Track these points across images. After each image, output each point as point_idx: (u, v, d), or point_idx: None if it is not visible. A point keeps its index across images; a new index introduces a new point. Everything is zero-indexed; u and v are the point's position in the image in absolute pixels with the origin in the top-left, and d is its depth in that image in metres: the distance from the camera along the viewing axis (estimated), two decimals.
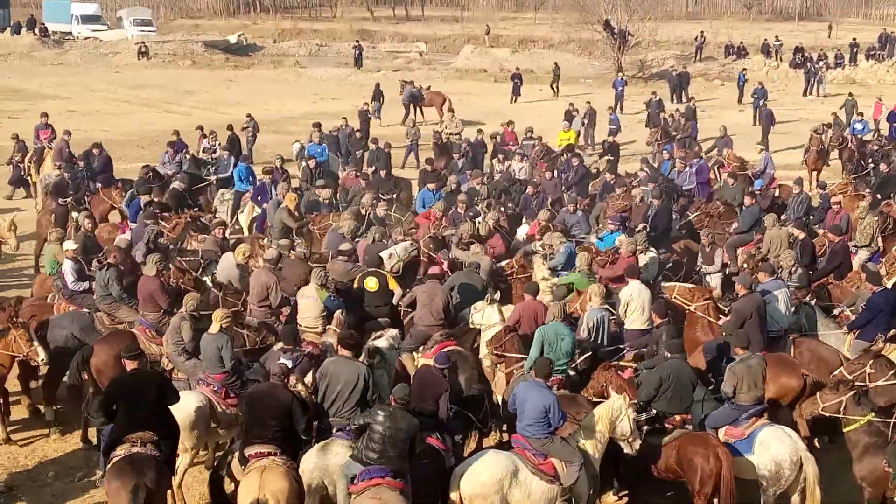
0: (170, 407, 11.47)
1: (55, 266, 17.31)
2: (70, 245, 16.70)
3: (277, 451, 11.01)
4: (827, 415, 12.43)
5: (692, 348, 14.37)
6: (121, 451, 10.90)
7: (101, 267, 15.69)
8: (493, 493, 11.02)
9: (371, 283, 16.06)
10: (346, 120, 32.10)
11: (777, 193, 23.53)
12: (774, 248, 18.32)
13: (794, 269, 17.03)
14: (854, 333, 15.20)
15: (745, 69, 53.32)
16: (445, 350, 13.42)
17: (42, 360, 13.81)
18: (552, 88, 51.45)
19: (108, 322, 15.36)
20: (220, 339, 12.99)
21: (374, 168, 26.26)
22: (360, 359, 12.61)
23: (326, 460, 11.17)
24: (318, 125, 30.26)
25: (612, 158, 28.17)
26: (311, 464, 11.17)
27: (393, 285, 16.28)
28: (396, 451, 10.73)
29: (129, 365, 11.65)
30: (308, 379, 12.69)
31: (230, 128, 29.59)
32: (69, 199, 22.24)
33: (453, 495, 11.17)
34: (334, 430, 11.64)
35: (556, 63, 54.51)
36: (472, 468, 11.19)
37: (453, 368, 13.16)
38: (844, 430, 12.30)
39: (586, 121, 37.36)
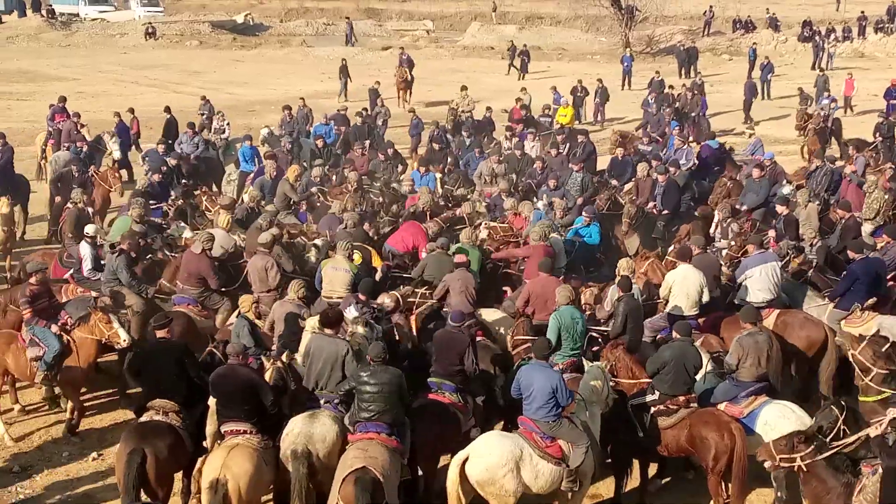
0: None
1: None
2: (90, 230, 16.78)
3: (253, 430, 11.16)
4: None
5: None
6: (143, 418, 11.51)
7: (113, 252, 15.74)
8: (501, 477, 10.99)
9: (355, 257, 16.19)
10: (304, 100, 31.54)
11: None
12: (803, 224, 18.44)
13: (815, 241, 17.19)
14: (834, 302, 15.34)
15: (754, 43, 52.99)
16: (458, 311, 13.45)
17: (124, 340, 13.80)
18: (513, 67, 50.92)
19: (110, 304, 15.17)
20: (238, 323, 13.13)
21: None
22: (349, 332, 12.79)
23: (312, 428, 11.32)
24: (287, 108, 29.96)
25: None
26: (297, 429, 11.31)
27: (377, 261, 16.58)
28: (388, 404, 11.11)
29: (158, 333, 12.29)
30: (286, 357, 12.87)
31: (167, 109, 29.32)
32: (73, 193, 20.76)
33: (453, 476, 11.11)
34: (322, 402, 11.80)
35: (511, 41, 54.18)
36: (477, 452, 11.14)
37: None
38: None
39: (598, 98, 37.41)
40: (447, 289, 15.09)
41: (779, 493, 11.88)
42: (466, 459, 11.13)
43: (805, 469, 10.51)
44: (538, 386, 11.33)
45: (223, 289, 15.83)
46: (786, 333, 14.51)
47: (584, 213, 18.52)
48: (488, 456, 11.06)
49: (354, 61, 54.36)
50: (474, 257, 16.09)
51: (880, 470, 10.18)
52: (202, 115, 30.83)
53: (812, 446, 10.51)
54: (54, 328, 13.88)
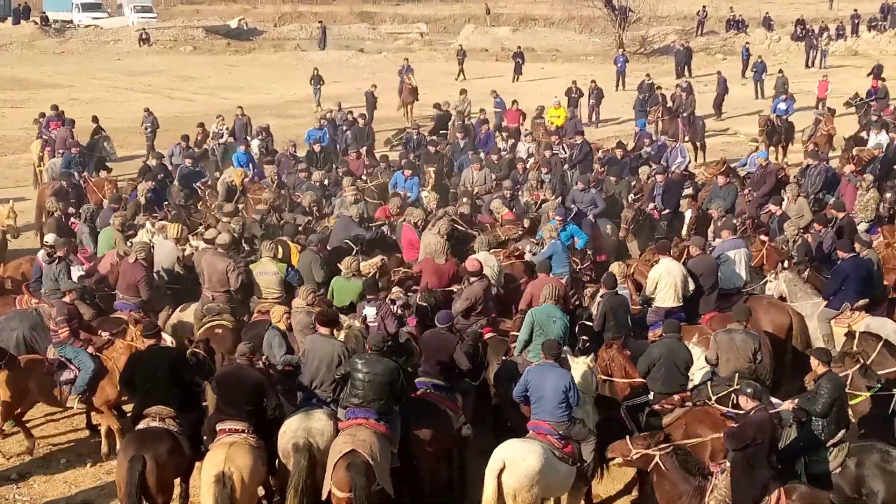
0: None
1: (110, 248, 17.54)
2: (49, 239, 16.62)
3: (249, 429, 11.24)
4: None
5: None
6: (141, 426, 11.52)
7: (52, 260, 15.44)
8: (535, 484, 10.78)
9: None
10: (242, 109, 30.87)
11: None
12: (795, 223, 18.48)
13: (797, 238, 17.28)
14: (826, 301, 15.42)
15: (747, 43, 53.03)
16: (446, 312, 13.51)
17: None
18: (461, 71, 50.37)
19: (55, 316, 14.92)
20: (269, 334, 13.00)
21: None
22: (345, 325, 13.03)
23: (310, 423, 11.48)
24: (220, 116, 29.52)
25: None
26: (295, 425, 11.45)
27: (295, 258, 16.68)
28: (377, 394, 11.25)
29: (148, 342, 12.39)
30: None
31: (95, 119, 28.97)
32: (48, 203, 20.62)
33: (491, 488, 10.85)
34: (314, 401, 11.92)
35: (460, 45, 54.03)
36: (513, 460, 10.86)
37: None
38: (851, 402, 12.29)
39: (592, 99, 37.45)
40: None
41: None
42: (502, 469, 10.82)
43: (660, 469, 10.81)
44: (550, 387, 11.25)
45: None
46: (751, 319, 14.56)
47: (556, 217, 18.37)
48: (525, 462, 10.80)
49: (349, 65, 54.59)
50: (352, 290, 14.94)
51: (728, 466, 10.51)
52: (145, 127, 30.36)
53: (667, 444, 10.93)
54: (90, 349, 13.59)
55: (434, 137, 28.63)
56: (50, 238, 16.64)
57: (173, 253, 17.01)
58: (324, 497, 11.07)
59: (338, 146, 28.21)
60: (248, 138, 27.65)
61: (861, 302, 15.03)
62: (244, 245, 17.66)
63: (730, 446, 10.33)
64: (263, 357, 12.67)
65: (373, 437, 11.05)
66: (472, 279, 14.82)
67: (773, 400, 11.95)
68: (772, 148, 29.75)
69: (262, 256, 15.94)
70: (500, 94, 34.75)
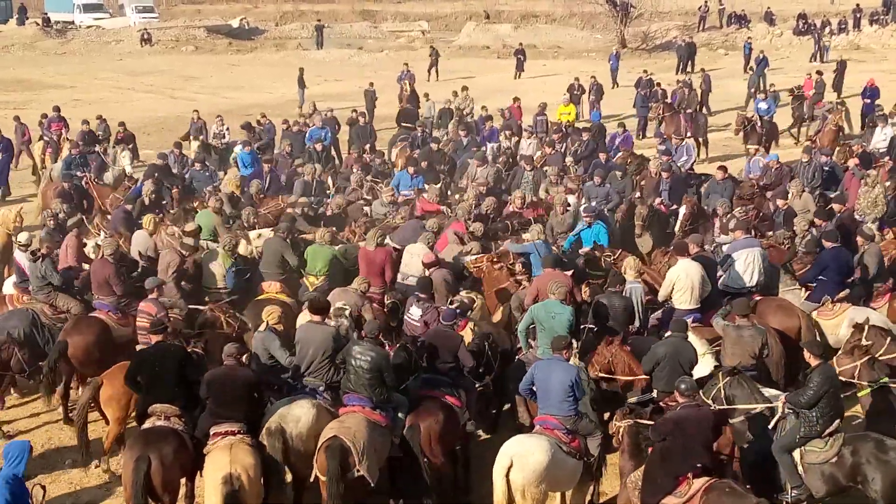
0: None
1: (209, 234, 17.81)
2: (22, 238, 16.48)
3: (243, 430, 11.28)
4: (843, 379, 12.50)
5: None
6: (146, 425, 11.53)
7: (35, 259, 15.33)
8: (546, 478, 10.79)
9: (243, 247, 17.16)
10: (198, 112, 30.44)
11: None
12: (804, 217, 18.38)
13: (806, 233, 17.21)
14: (805, 291, 15.44)
15: (749, 38, 53.02)
16: (450, 309, 13.47)
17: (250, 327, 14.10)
18: (432, 73, 49.53)
19: (49, 312, 15.07)
20: (267, 336, 12.84)
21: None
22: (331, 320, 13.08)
23: (288, 409, 11.68)
24: (220, 116, 29.55)
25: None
26: (274, 411, 11.66)
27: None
28: (367, 380, 11.45)
29: (153, 338, 12.33)
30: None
31: (85, 122, 28.74)
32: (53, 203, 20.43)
33: (501, 487, 10.86)
34: (307, 390, 12.09)
35: (432, 47, 53.66)
36: (521, 455, 10.85)
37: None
38: (859, 395, 12.42)
39: (593, 95, 37.41)
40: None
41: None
42: (510, 466, 10.81)
43: (619, 443, 11.25)
44: (557, 380, 11.26)
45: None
46: (760, 321, 14.53)
47: (583, 214, 18.34)
48: (533, 457, 10.80)
49: (351, 63, 54.55)
50: (323, 255, 16.27)
51: None
52: (99, 134, 30.16)
53: (629, 419, 11.26)
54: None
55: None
56: (22, 237, 16.44)
57: (145, 243, 17.10)
58: (311, 479, 11.32)
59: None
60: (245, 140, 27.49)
61: (842, 294, 15.03)
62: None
63: (651, 437, 10.62)
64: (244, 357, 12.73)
65: (361, 424, 11.18)
66: (430, 269, 15.32)
67: (769, 392, 11.96)
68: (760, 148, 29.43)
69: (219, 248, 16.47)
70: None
